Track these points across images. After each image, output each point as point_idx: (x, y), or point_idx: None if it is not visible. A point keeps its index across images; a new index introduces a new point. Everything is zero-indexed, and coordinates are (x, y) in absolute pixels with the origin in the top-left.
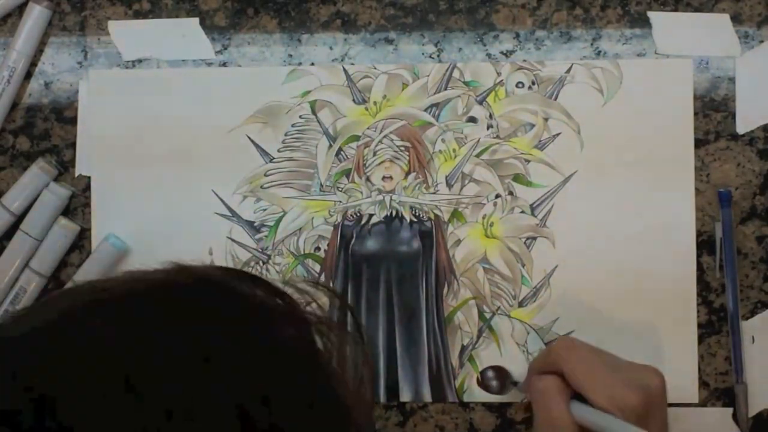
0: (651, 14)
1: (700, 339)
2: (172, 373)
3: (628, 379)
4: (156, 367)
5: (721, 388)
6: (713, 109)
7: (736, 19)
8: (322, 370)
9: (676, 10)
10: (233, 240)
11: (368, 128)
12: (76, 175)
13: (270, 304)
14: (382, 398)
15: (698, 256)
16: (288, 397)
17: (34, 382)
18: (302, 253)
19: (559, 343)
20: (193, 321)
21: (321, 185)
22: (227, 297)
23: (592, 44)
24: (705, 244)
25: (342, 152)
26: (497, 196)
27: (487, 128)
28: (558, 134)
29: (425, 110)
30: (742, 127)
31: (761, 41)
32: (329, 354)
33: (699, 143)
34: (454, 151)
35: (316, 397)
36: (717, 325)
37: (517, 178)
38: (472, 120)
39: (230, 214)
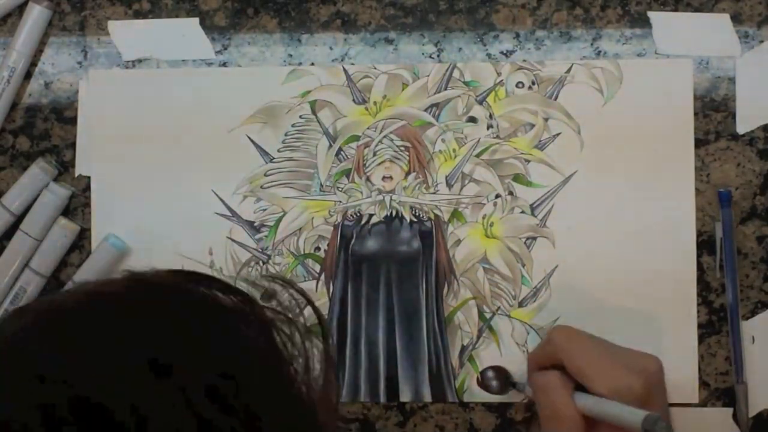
0: (651, 14)
1: (700, 339)
2: (127, 383)
3: (627, 365)
4: (109, 378)
5: (721, 388)
6: (713, 109)
7: (736, 19)
8: (285, 372)
9: (676, 10)
10: (233, 240)
11: (368, 128)
12: (76, 175)
13: (227, 305)
14: (382, 398)
15: (698, 256)
16: (249, 401)
17: None
18: (302, 253)
19: (557, 333)
20: (148, 329)
21: (321, 185)
22: (182, 301)
23: (592, 44)
24: (705, 244)
25: (342, 152)
26: (497, 196)
27: (487, 128)
28: (558, 134)
29: (425, 110)
30: (742, 127)
31: (761, 41)
32: (291, 354)
33: (699, 143)
34: (454, 151)
35: (279, 401)
36: (717, 325)
37: (517, 178)
38: (472, 120)
39: (230, 214)
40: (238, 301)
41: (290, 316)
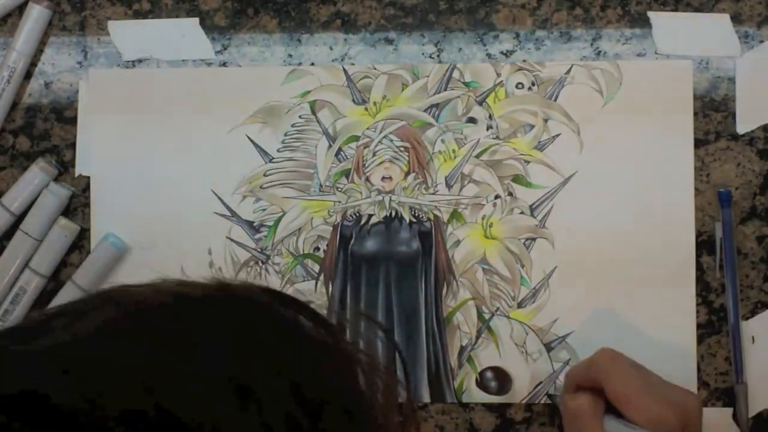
0: (651, 14)
1: (700, 339)
2: (210, 403)
3: (667, 398)
4: (193, 394)
5: (721, 388)
6: (713, 109)
7: (736, 19)
8: (364, 414)
9: (676, 10)
10: (232, 240)
11: (368, 128)
12: (76, 175)
13: (314, 336)
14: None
15: (698, 256)
16: None
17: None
18: (301, 253)
19: (602, 354)
20: (236, 349)
21: (320, 185)
22: (271, 325)
23: (592, 44)
24: (705, 244)
25: (341, 152)
26: (497, 196)
27: (487, 129)
28: (558, 135)
29: (425, 111)
30: (742, 127)
31: (761, 41)
32: (373, 399)
33: (699, 143)
34: (453, 151)
35: None
36: (717, 325)
37: (517, 178)
38: (472, 121)
39: (230, 214)
40: (325, 333)
41: (376, 360)
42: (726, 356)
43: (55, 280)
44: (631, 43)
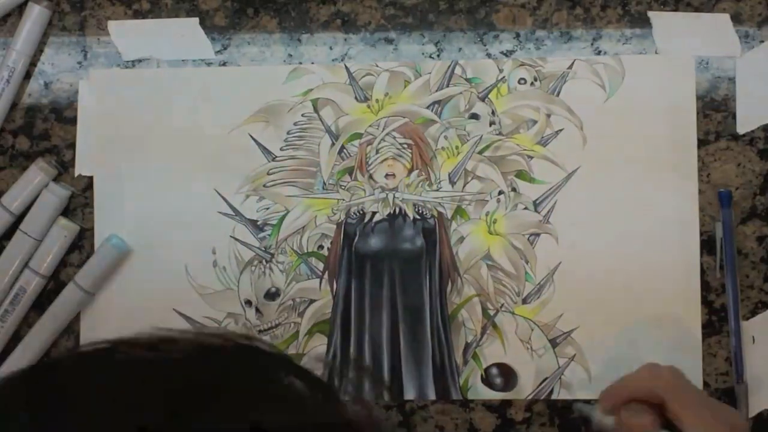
0: (651, 14)
1: (701, 339)
2: None
3: (719, 416)
4: None
5: (721, 388)
6: (713, 109)
7: (736, 19)
8: None
9: (676, 10)
10: (236, 239)
11: (370, 126)
12: (76, 175)
13: (309, 400)
14: (386, 396)
15: (698, 256)
16: None
17: None
18: (305, 251)
19: (668, 372)
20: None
21: (324, 183)
22: (267, 391)
23: (592, 44)
24: (705, 244)
25: (344, 150)
26: (500, 192)
27: (490, 125)
28: (560, 130)
29: (427, 107)
30: (742, 127)
31: (761, 41)
32: None
33: (699, 143)
34: (456, 148)
35: None
36: (717, 325)
37: (520, 174)
38: (475, 117)
39: (233, 213)
40: (321, 396)
41: (374, 416)
42: (726, 356)
43: (55, 280)
44: (631, 42)
